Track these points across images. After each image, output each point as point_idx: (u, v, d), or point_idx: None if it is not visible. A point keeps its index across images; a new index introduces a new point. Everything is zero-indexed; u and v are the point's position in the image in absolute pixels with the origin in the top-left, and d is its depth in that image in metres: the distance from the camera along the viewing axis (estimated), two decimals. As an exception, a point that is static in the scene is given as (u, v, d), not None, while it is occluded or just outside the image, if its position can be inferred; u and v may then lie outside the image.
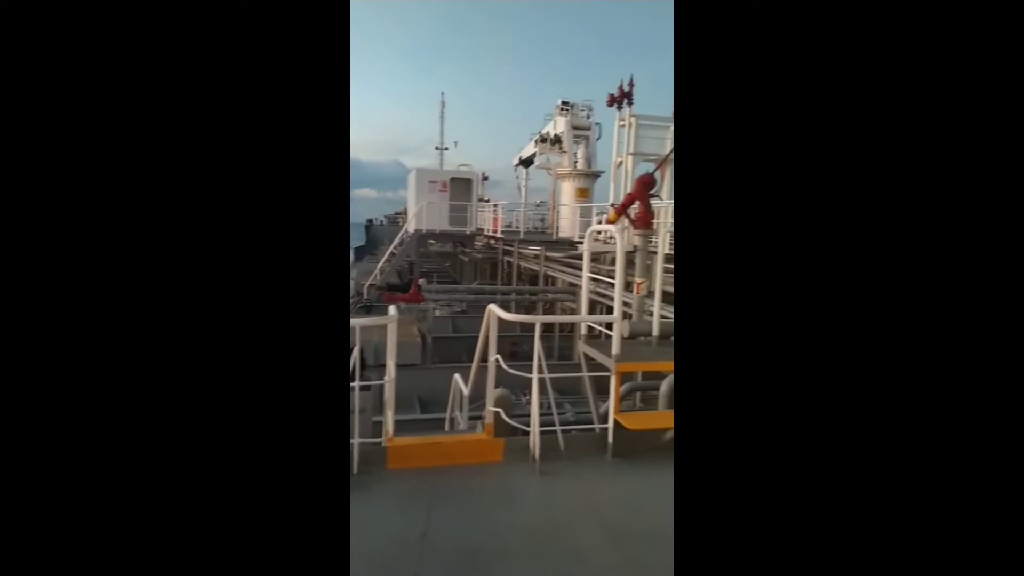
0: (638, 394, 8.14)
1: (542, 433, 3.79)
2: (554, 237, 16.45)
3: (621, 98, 11.45)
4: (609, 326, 4.24)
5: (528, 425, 3.77)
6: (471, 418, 5.42)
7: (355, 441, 3.37)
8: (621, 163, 11.51)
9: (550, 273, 14.06)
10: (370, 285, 15.14)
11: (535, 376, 3.75)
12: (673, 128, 11.84)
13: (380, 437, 3.70)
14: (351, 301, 15.01)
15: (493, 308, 3.92)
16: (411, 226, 17.37)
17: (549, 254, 14.09)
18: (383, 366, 3.68)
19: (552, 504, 3.26)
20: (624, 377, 4.31)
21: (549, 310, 14.14)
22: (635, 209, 4.86)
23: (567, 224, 16.80)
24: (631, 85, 11.32)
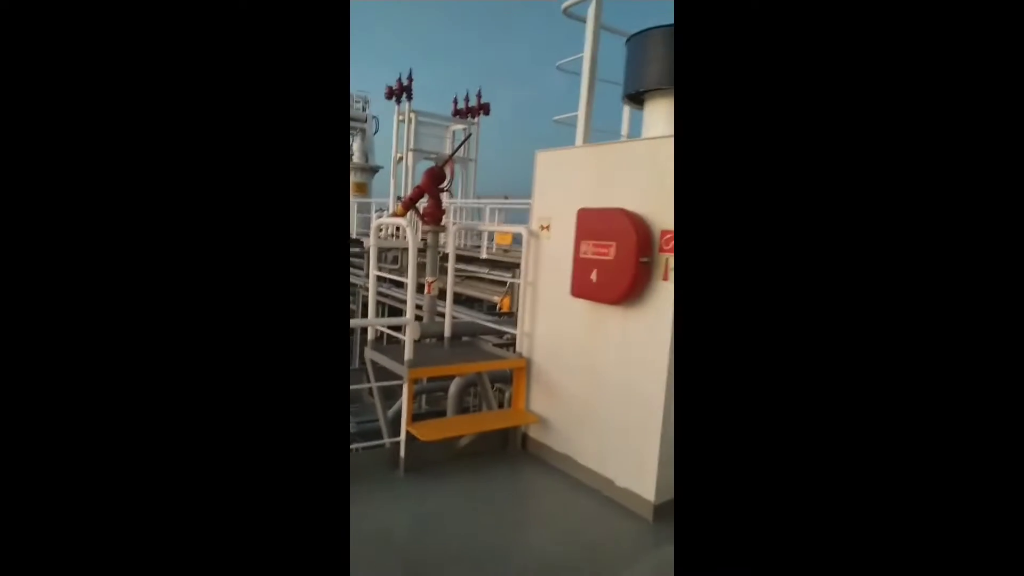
0: (424, 396, 7.94)
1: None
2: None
3: (400, 91, 11.14)
4: (399, 329, 3.90)
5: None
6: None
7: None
8: (401, 159, 11.18)
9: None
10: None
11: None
12: (455, 128, 11.95)
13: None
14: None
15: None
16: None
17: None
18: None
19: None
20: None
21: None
22: (424, 204, 4.61)
23: (344, 220, 15.86)
24: (410, 79, 11.07)
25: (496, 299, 8.45)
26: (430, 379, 5.64)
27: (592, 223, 3.36)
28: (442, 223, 4.84)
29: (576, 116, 4.18)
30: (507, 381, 5.06)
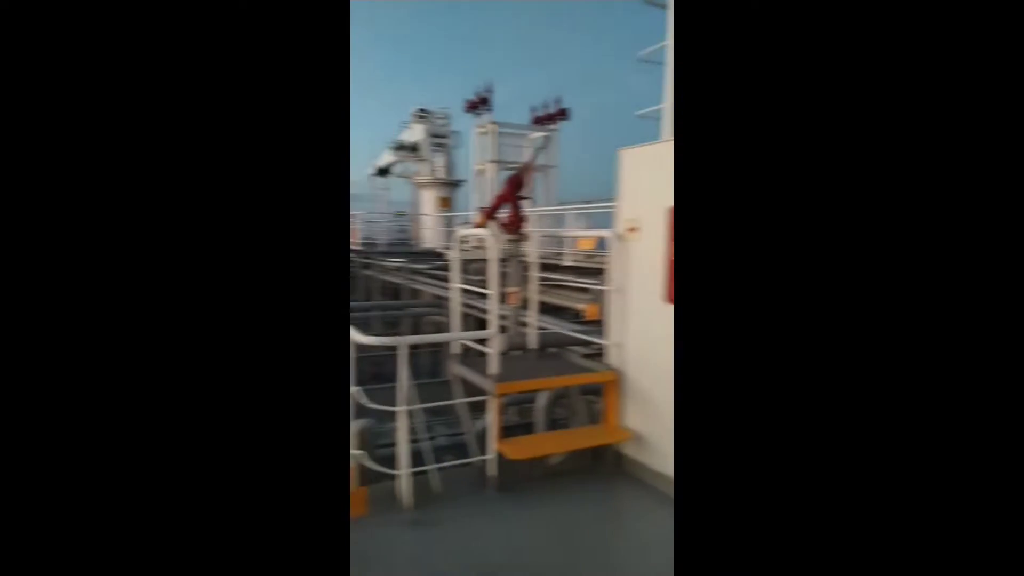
0: (512, 408, 7.84)
1: (413, 474, 3.23)
2: (417, 248, 15.83)
3: (479, 104, 11.25)
4: (484, 342, 3.80)
5: (394, 465, 3.19)
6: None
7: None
8: (483, 171, 11.27)
9: (414, 286, 13.41)
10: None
11: (402, 409, 3.18)
12: (535, 136, 11.89)
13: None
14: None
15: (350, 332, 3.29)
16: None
17: (412, 266, 13.44)
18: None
19: (431, 561, 2.72)
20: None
21: (415, 325, 13.47)
22: (506, 213, 4.51)
23: (430, 234, 16.28)
24: (489, 91, 11.17)
25: (581, 307, 8.22)
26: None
27: (685, 222, 3.09)
28: (523, 231, 4.71)
29: (661, 109, 3.92)
30: (598, 392, 4.83)
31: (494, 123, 11.29)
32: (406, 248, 16.16)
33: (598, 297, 7.35)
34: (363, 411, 3.34)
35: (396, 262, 14.22)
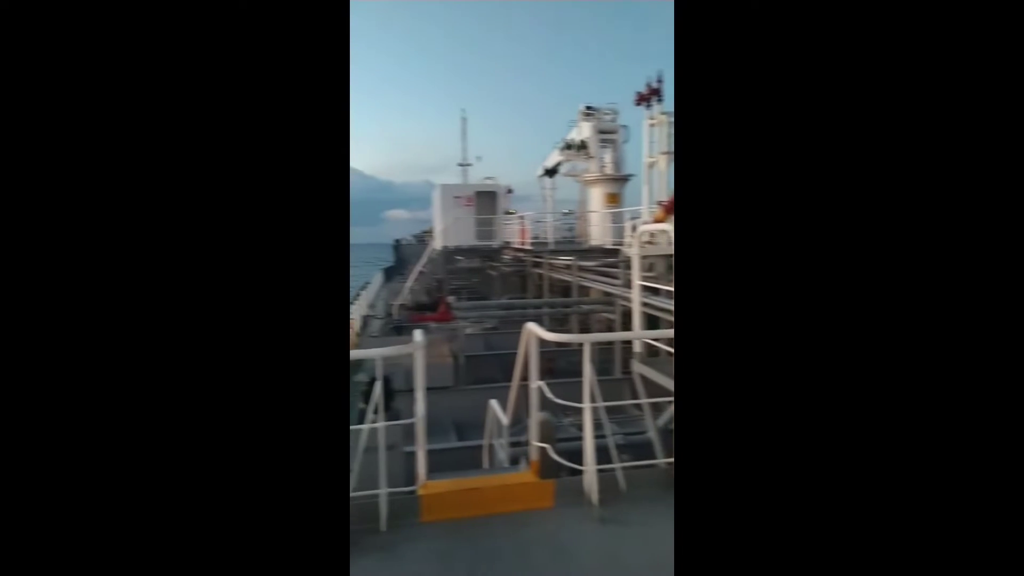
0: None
1: (599, 471, 3.23)
2: (585, 245, 15.90)
3: (650, 96, 10.93)
4: (669, 341, 3.68)
5: (578, 459, 3.23)
6: (512, 444, 4.89)
7: (383, 492, 2.88)
8: (654, 163, 10.94)
9: (583, 283, 13.49)
10: (399, 305, 14.81)
11: (587, 406, 3.20)
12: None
13: (411, 474, 3.21)
14: (382, 322, 14.70)
15: (532, 327, 3.40)
16: (438, 243, 17.04)
17: (581, 263, 13.53)
18: (412, 390, 3.20)
19: (617, 561, 2.70)
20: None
21: (584, 322, 13.55)
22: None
23: (598, 231, 16.24)
24: (659, 81, 10.79)
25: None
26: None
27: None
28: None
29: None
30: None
31: (665, 114, 10.89)
32: (574, 246, 16.31)
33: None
34: (545, 404, 3.43)
35: (564, 260, 14.43)
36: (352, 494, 2.85)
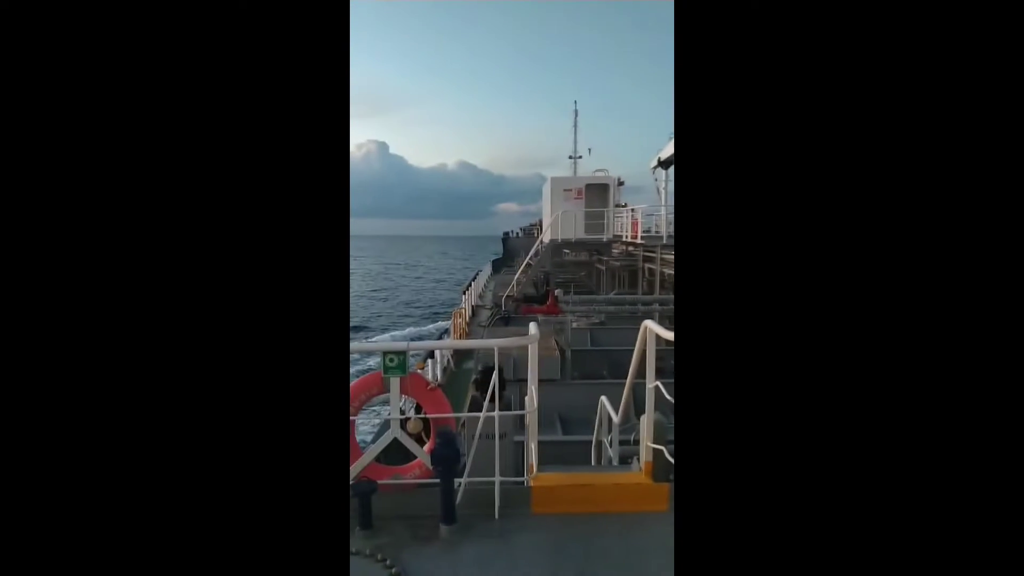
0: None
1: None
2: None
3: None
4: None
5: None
6: (621, 443, 4.80)
7: (497, 479, 2.94)
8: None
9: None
10: (507, 297, 15.08)
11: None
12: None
13: (521, 465, 3.25)
14: (490, 313, 15.07)
15: (651, 325, 3.29)
16: (546, 236, 17.12)
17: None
18: (522, 380, 3.23)
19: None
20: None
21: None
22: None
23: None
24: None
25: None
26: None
27: None
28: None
29: None
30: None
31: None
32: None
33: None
34: (660, 404, 3.31)
35: (668, 256, 13.90)
36: (466, 479, 2.93)
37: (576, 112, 24.66)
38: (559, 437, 7.68)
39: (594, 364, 10.55)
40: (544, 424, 7.82)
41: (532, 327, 3.35)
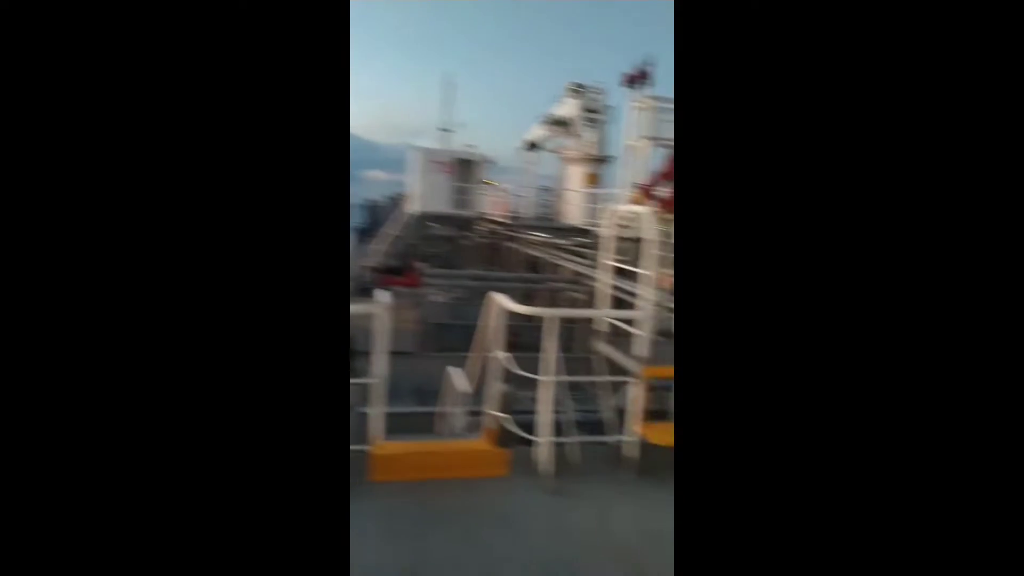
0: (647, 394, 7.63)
1: (554, 445, 3.27)
2: (561, 223, 15.88)
3: (638, 78, 10.83)
4: (633, 323, 3.71)
5: (534, 431, 3.26)
6: (470, 413, 4.91)
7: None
8: (635, 147, 10.91)
9: (555, 262, 13.52)
10: (367, 266, 14.61)
11: (547, 379, 3.22)
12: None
13: (365, 438, 3.20)
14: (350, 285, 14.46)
15: (497, 297, 3.38)
16: (412, 207, 16.80)
17: (555, 241, 13.53)
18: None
19: (565, 532, 2.75)
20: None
21: (552, 300, 13.63)
22: (666, 192, 4.33)
23: (574, 210, 16.24)
24: (650, 65, 10.69)
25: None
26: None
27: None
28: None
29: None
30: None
31: (653, 98, 10.82)
32: (548, 223, 16.29)
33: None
34: (506, 377, 3.44)
35: (538, 236, 14.42)
36: None
37: (449, 84, 24.27)
38: (412, 408, 7.67)
39: (454, 338, 10.63)
40: (399, 396, 7.74)
41: (381, 295, 3.28)
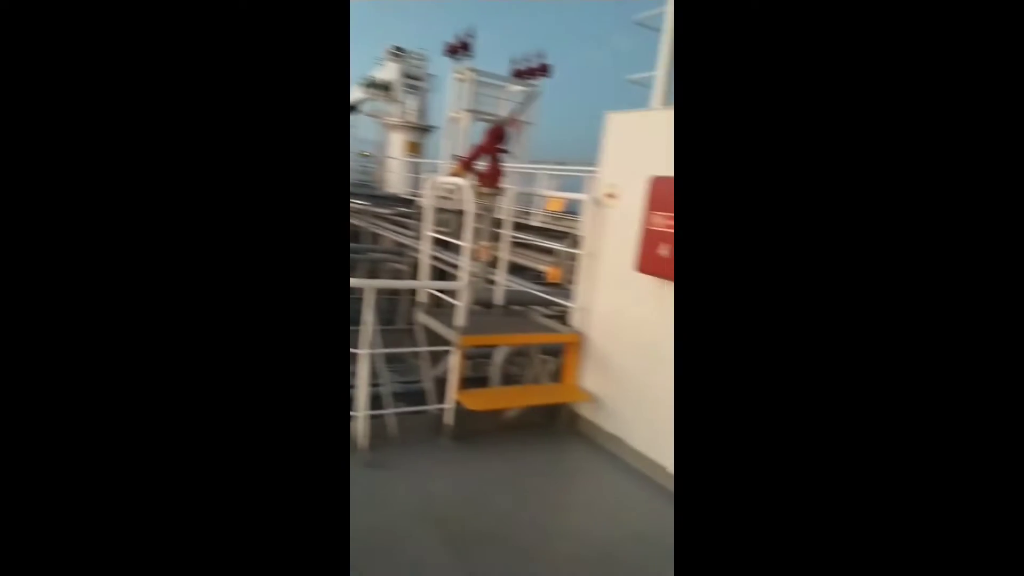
0: (467, 362, 7.87)
1: (370, 417, 3.22)
2: (381, 192, 15.42)
3: (459, 48, 10.84)
4: (451, 294, 3.77)
5: (351, 406, 3.18)
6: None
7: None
8: (457, 119, 10.96)
9: (374, 231, 13.13)
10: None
11: (363, 352, 3.14)
12: (514, 89, 11.58)
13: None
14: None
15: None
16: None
17: (374, 210, 13.12)
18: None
19: (382, 504, 2.75)
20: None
21: (374, 271, 13.27)
22: (485, 165, 4.41)
23: (396, 179, 15.86)
24: (470, 36, 10.75)
25: (544, 268, 8.25)
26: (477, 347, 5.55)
27: (667, 193, 3.10)
28: (500, 186, 4.64)
29: (653, 76, 3.87)
30: (553, 353, 4.91)
31: (473, 70, 10.92)
32: (369, 191, 15.71)
33: (562, 260, 7.39)
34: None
35: (358, 204, 13.84)
36: None
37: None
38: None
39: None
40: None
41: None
